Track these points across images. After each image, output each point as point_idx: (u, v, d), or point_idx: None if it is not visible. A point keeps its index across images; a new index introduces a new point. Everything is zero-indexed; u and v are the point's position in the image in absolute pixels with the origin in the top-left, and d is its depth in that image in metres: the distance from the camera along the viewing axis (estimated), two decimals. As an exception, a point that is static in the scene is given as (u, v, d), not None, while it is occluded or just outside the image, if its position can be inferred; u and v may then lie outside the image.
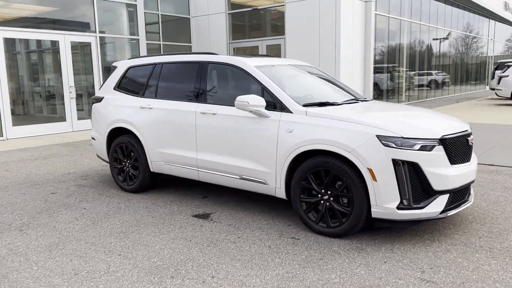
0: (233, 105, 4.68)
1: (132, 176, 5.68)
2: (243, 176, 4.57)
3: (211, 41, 15.77)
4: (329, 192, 3.98)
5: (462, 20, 25.13)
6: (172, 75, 5.42)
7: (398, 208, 3.68)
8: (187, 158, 5.02)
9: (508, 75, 17.63)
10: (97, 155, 6.32)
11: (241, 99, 4.33)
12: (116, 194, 5.64)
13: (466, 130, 4.12)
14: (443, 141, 3.78)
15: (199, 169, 4.96)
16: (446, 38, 23.18)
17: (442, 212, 3.78)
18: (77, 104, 12.02)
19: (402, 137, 3.69)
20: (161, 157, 5.29)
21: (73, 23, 11.92)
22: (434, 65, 22.11)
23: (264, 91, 4.49)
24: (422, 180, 3.68)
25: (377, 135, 3.72)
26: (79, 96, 12.12)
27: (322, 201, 4.03)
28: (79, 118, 12.07)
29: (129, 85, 5.88)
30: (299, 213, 4.18)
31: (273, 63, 4.99)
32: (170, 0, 15.59)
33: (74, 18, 11.94)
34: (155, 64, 5.59)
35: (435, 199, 3.73)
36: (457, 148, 3.94)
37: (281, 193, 4.32)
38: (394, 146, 3.66)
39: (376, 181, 3.68)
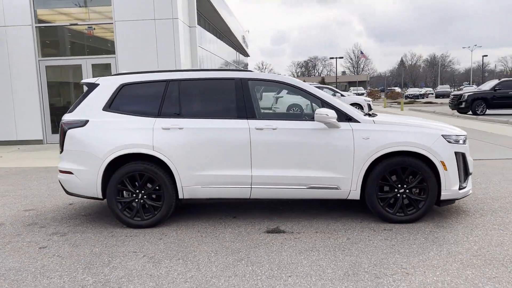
0: (294, 119, 4.91)
1: (149, 208, 4.93)
2: (311, 186, 4.82)
3: (11, 57, 13.36)
4: (405, 186, 4.78)
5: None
6: (199, 92, 5.07)
7: (459, 189, 4.83)
8: (237, 176, 4.84)
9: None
10: (70, 193, 5.09)
11: (321, 112, 4.66)
12: (157, 232, 4.80)
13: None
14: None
15: (252, 186, 4.86)
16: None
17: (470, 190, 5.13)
18: None
19: (455, 135, 4.86)
20: (197, 180, 4.86)
21: None
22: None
23: (324, 105, 4.90)
24: (466, 166, 4.93)
25: (442, 135, 4.78)
26: None
27: (398, 194, 4.79)
28: None
29: (130, 105, 5.07)
30: (377, 208, 4.80)
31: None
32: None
33: None
34: (167, 81, 5.06)
35: (468, 180, 5.04)
36: (466, 142, 5.39)
37: (355, 194, 4.83)
38: (453, 142, 4.80)
39: (446, 170, 4.72)
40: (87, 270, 3.82)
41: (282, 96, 11.96)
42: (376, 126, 4.81)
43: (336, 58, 59.85)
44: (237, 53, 35.91)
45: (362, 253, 4.01)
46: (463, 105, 22.14)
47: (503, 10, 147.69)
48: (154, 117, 4.93)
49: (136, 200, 4.93)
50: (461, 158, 4.83)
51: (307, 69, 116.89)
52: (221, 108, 5.00)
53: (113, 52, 13.42)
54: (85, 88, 5.39)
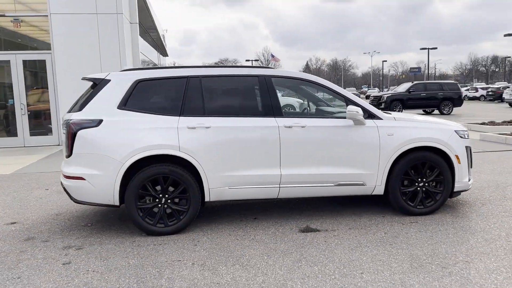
0: (321, 117, 4.92)
1: (173, 213, 4.60)
2: (339, 182, 4.86)
3: None
4: (424, 179, 5.02)
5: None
6: (222, 90, 4.84)
7: (468, 180, 5.19)
8: (266, 176, 4.71)
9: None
10: (79, 201, 4.56)
11: (351, 109, 4.72)
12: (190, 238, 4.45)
13: None
14: None
15: (281, 186, 4.77)
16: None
17: (470, 181, 5.53)
18: None
19: (463, 130, 5.22)
20: (224, 181, 4.64)
21: None
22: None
23: (347, 102, 4.96)
24: (471, 159, 5.31)
25: (455, 130, 5.10)
26: None
27: (418, 188, 5.02)
28: None
29: (148, 102, 4.68)
30: (400, 202, 4.97)
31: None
32: None
33: None
34: (187, 78, 4.76)
35: (470, 172, 5.45)
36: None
37: (379, 190, 4.96)
38: (463, 137, 5.15)
39: (460, 163, 5.05)
40: (142, 284, 3.46)
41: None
42: (398, 123, 4.99)
43: (252, 60, 60.78)
44: (158, 53, 34.83)
45: (410, 245, 4.12)
46: (382, 106, 23.77)
47: (393, 20, 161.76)
48: (177, 116, 4.61)
49: (159, 205, 4.56)
50: (469, 152, 5.19)
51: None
52: (246, 105, 4.83)
53: (49, 48, 12.25)
54: (89, 84, 4.88)
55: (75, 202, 4.60)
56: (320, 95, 6.22)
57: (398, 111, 23.44)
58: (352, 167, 4.85)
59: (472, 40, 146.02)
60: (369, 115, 4.96)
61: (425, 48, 51.05)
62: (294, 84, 5.46)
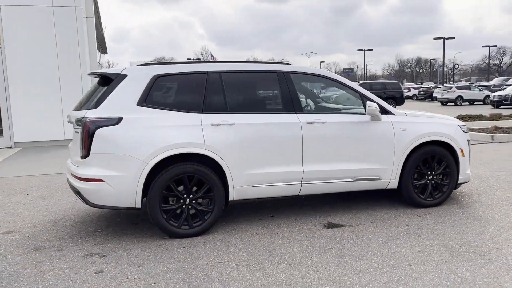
0: (339, 113, 4.96)
1: (197, 214, 4.42)
2: (357, 177, 4.93)
3: None
4: (433, 172, 5.22)
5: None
6: (242, 86, 4.72)
7: (469, 172, 5.48)
8: (289, 173, 4.67)
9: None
10: (95, 205, 4.25)
11: (371, 104, 4.81)
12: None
13: None
14: None
15: (303, 182, 4.75)
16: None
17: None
18: None
19: (463, 125, 5.50)
20: (248, 180, 4.54)
21: None
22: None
23: (363, 98, 5.05)
24: (469, 152, 5.62)
25: (458, 125, 5.36)
26: None
27: (428, 181, 5.22)
28: None
29: (168, 98, 4.48)
30: (412, 195, 5.13)
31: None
32: None
33: None
34: (207, 73, 4.59)
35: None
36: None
37: (394, 184, 5.09)
38: (464, 131, 5.43)
39: (464, 156, 5.32)
40: (197, 288, 3.29)
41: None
42: (409, 118, 5.15)
43: (194, 59, 60.02)
44: (98, 51, 33.38)
45: (437, 236, 4.27)
46: (332, 104, 24.52)
47: (324, 22, 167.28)
48: (199, 113, 4.44)
49: (184, 206, 4.36)
50: (469, 145, 5.48)
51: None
52: (267, 102, 4.77)
53: (-2, 42, 11.30)
54: (99, 80, 4.57)
55: (92, 206, 4.28)
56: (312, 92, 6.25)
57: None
58: (369, 162, 4.94)
59: (397, 43, 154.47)
60: (383, 110, 5.07)
61: (361, 50, 53.41)
62: (310, 81, 5.46)
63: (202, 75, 4.57)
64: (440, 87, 34.88)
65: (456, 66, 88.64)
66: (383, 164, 4.98)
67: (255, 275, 3.50)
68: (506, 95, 28.08)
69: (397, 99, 24.97)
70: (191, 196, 4.37)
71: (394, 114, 5.11)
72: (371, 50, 54.51)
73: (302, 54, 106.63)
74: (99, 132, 4.13)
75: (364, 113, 4.97)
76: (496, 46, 59.32)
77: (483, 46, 58.25)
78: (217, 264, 3.73)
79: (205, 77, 4.56)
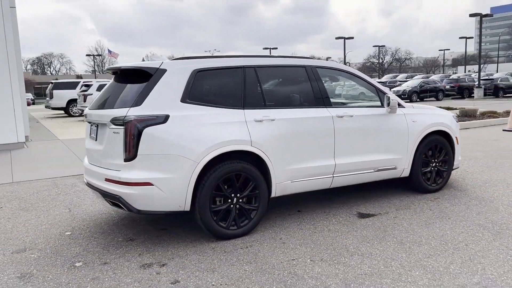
0: (362, 106, 5.12)
1: (244, 213, 4.28)
2: (378, 168, 5.16)
3: None
4: (435, 159, 5.65)
5: None
6: (276, 80, 4.65)
7: (460, 158, 6.04)
8: (323, 167, 4.73)
9: (92, 93, 19.41)
10: (142, 211, 3.90)
11: (394, 98, 5.07)
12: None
13: None
14: None
15: (334, 175, 4.84)
16: None
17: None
18: None
19: (455, 115, 6.03)
20: (288, 175, 4.51)
21: None
22: None
23: (378, 92, 5.28)
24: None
25: (452, 115, 5.86)
26: None
27: (432, 168, 5.63)
28: None
29: (209, 94, 4.25)
30: (421, 182, 5.50)
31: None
32: None
33: None
34: (243, 68, 4.45)
35: None
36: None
37: (406, 172, 5.41)
38: (456, 121, 5.95)
39: (458, 144, 5.84)
40: (293, 286, 3.21)
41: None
42: (416, 110, 5.50)
43: (93, 55, 56.60)
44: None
45: (465, 217, 4.64)
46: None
47: (220, 20, 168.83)
48: (241, 108, 4.29)
49: (231, 205, 4.20)
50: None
51: (40, 66, 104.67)
52: (301, 96, 4.75)
53: None
54: (127, 75, 4.19)
55: (136, 212, 3.92)
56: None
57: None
58: (388, 153, 5.19)
59: (290, 42, 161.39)
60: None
61: (267, 48, 54.78)
62: (333, 75, 5.54)
63: (238, 70, 4.42)
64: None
65: (348, 64, 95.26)
66: (399, 154, 5.27)
67: (339, 268, 3.51)
68: (404, 90, 30.96)
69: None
70: (238, 195, 4.21)
71: (404, 107, 5.42)
72: (276, 48, 56.22)
73: (206, 51, 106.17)
74: (147, 132, 3.80)
75: (381, 106, 5.19)
76: (384, 46, 64.75)
77: (373, 46, 63.18)
78: (292, 261, 3.66)
79: (241, 71, 4.42)
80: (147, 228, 4.61)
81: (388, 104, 5.10)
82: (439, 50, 77.75)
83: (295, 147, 4.51)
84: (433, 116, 5.61)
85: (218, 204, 4.13)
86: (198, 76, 4.17)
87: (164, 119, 3.87)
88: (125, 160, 3.83)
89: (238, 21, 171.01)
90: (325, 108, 4.77)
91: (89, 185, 4.38)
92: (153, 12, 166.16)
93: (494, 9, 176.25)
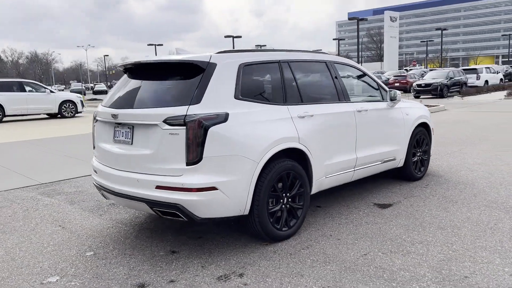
0: (370, 101, 5.31)
1: (292, 213, 4.15)
2: (384, 160, 5.41)
3: None
4: (420, 149, 6.10)
5: None
6: (304, 75, 4.57)
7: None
8: (348, 161, 4.80)
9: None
10: (203, 219, 3.55)
11: (398, 92, 5.35)
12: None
13: None
14: None
15: (355, 169, 4.95)
16: None
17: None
18: None
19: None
20: (323, 171, 4.48)
21: None
22: None
23: (379, 88, 5.53)
24: None
25: (428, 109, 6.40)
26: None
27: (418, 158, 6.08)
28: None
29: (255, 90, 4.01)
30: (412, 172, 5.91)
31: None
32: None
33: None
34: (279, 62, 4.29)
35: None
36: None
37: (402, 162, 5.74)
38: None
39: (434, 134, 6.40)
40: (391, 279, 3.24)
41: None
42: (406, 104, 5.88)
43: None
44: None
45: (469, 201, 5.06)
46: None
47: (86, 14, 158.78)
48: (284, 105, 4.14)
49: (283, 206, 4.04)
50: (430, 126, 6.60)
51: None
52: (327, 91, 4.74)
53: None
54: (167, 69, 3.77)
55: (198, 221, 3.54)
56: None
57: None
58: (391, 145, 5.46)
59: (165, 39, 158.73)
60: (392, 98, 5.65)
61: (152, 44, 53.09)
62: (344, 70, 5.54)
63: (275, 64, 4.26)
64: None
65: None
66: (398, 145, 5.58)
67: (414, 257, 3.60)
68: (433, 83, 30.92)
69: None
70: (287, 194, 4.07)
71: (398, 101, 5.75)
72: (162, 45, 54.68)
73: (78, 46, 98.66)
74: (212, 132, 3.46)
75: (382, 100, 5.44)
76: (266, 45, 67.33)
77: (255, 45, 65.33)
78: (365, 256, 3.66)
79: (278, 66, 4.27)
80: (179, 238, 4.19)
81: (392, 99, 5.37)
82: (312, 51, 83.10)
83: (329, 143, 4.50)
84: (419, 109, 6.05)
85: (272, 206, 3.93)
86: (244, 70, 3.91)
87: (225, 117, 3.56)
88: (188, 164, 3.43)
89: (106, 16, 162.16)
90: (346, 103, 4.84)
91: (117, 194, 3.83)
92: (5, 3, 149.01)
93: (351, 14, 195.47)
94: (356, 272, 3.37)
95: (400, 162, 5.71)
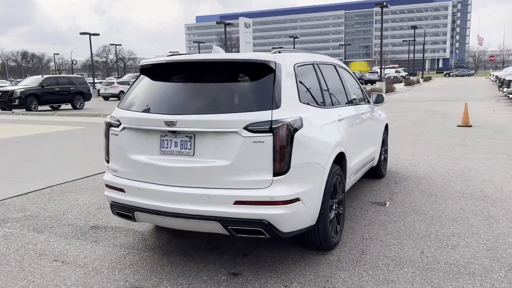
0: (361, 104, 5.49)
1: (338, 219, 4.06)
2: (370, 159, 5.64)
3: None
4: (384, 149, 6.53)
5: None
6: (328, 77, 4.49)
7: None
8: (358, 162, 4.88)
9: None
10: (289, 234, 3.25)
11: (384, 96, 5.63)
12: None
13: None
14: None
15: (360, 170, 5.08)
16: None
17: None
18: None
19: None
20: (349, 173, 4.49)
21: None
22: None
23: (362, 92, 5.74)
24: None
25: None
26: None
27: (383, 156, 6.50)
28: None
29: (307, 92, 3.79)
30: (381, 169, 6.29)
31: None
32: None
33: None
34: (313, 63, 4.16)
35: None
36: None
37: (376, 161, 6.07)
38: (382, 115, 7.02)
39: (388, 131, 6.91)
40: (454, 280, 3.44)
41: None
42: (375, 107, 6.22)
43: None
44: None
45: (446, 194, 5.63)
46: (17, 102, 20.97)
47: None
48: (324, 107, 4.04)
49: (333, 212, 3.93)
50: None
51: None
52: (339, 94, 4.72)
53: None
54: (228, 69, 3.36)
55: (283, 236, 3.23)
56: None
57: (34, 108, 21.37)
58: (373, 145, 5.72)
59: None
60: (367, 100, 5.92)
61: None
62: (339, 73, 5.50)
63: (311, 66, 4.12)
64: (113, 82, 33.97)
65: (74, 62, 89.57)
66: (377, 146, 5.89)
67: (463, 250, 3.84)
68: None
69: (85, 95, 23.75)
70: (335, 200, 3.98)
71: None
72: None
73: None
74: (297, 138, 3.19)
75: (368, 103, 5.67)
76: (114, 44, 63.91)
77: (110, 44, 61.39)
78: (422, 254, 3.76)
79: (312, 67, 4.13)
80: (223, 257, 3.75)
81: (377, 101, 5.63)
82: (169, 52, 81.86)
83: (351, 145, 4.52)
84: (381, 111, 6.45)
85: (329, 213, 3.80)
86: (297, 71, 3.69)
87: (301, 122, 3.31)
88: (275, 174, 3.10)
89: None
90: (353, 106, 4.93)
91: (171, 214, 3.26)
92: None
93: (198, 18, 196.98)
94: (434, 271, 3.45)
95: (375, 161, 6.02)
